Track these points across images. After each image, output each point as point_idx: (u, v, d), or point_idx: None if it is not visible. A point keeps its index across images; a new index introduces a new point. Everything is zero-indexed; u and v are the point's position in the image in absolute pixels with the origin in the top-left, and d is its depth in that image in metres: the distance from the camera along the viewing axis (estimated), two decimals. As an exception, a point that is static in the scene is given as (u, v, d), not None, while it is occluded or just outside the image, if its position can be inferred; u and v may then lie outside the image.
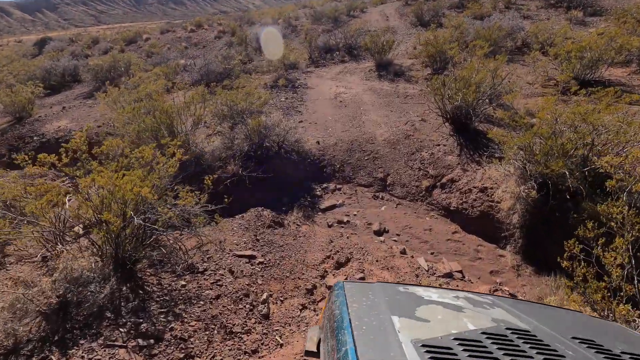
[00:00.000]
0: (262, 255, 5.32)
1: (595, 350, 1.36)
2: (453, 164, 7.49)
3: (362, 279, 5.18)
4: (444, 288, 2.17)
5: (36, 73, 18.03)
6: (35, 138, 12.32)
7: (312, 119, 10.42)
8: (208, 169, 7.91)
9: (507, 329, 1.44)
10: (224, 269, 4.87)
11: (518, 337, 1.37)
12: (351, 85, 13.00)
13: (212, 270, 4.81)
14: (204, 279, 4.64)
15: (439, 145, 8.13)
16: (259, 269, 5.00)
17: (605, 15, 15.74)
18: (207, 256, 5.17)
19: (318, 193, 7.95)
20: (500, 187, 6.26)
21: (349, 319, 1.41)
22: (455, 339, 1.29)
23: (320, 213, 7.42)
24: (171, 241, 5.07)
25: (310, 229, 6.80)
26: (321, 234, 6.68)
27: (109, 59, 17.37)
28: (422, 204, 7.19)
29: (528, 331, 1.44)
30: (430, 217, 6.88)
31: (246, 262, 5.06)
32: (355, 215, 7.20)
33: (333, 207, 7.53)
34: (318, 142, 9.00)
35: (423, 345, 1.23)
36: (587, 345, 1.39)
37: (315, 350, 1.79)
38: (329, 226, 7.00)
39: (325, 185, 8.13)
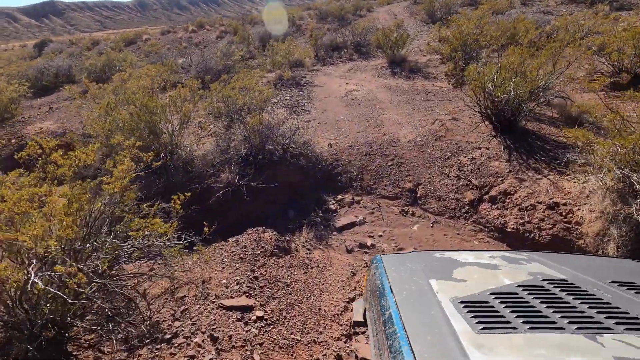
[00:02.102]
0: (261, 305, 3.53)
1: (636, 291, 1.29)
2: (502, 171, 5.70)
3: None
4: (480, 250, 2.25)
5: (28, 73, 16.32)
6: (12, 141, 10.61)
7: (321, 118, 8.65)
8: (197, 177, 6.16)
9: (543, 280, 1.39)
10: (204, 332, 3.08)
11: (555, 287, 1.33)
12: (363, 83, 11.24)
13: (185, 337, 3.01)
14: (171, 353, 2.86)
15: (479, 148, 6.34)
16: (257, 331, 3.20)
17: (635, 9, 13.97)
18: (182, 308, 3.40)
19: (332, 206, 6.18)
20: (581, 203, 4.47)
21: (389, 286, 1.40)
22: (492, 293, 1.27)
23: (335, 233, 5.64)
24: (129, 286, 3.32)
25: (325, 256, 5.02)
26: (339, 262, 4.90)
27: (104, 58, 15.63)
28: (467, 223, 5.40)
29: (565, 280, 1.39)
30: (480, 240, 5.09)
31: (238, 320, 3.26)
32: (380, 236, 5.41)
33: (352, 225, 5.75)
34: (330, 145, 7.24)
35: (461, 302, 1.22)
36: (627, 288, 1.32)
37: (362, 320, 1.88)
38: (349, 251, 5.22)
39: (340, 196, 6.36)
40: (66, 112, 12.24)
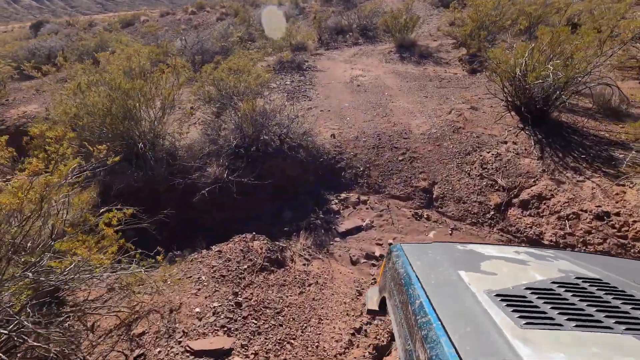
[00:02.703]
0: (242, 346, 2.67)
1: None
2: (534, 171, 4.78)
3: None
4: (502, 245, 1.99)
5: (19, 54, 15.32)
6: (-8, 124, 9.71)
7: (324, 105, 7.69)
8: (181, 170, 5.26)
9: (577, 277, 1.30)
10: (160, 394, 2.25)
11: (590, 285, 1.23)
12: (369, 68, 10.21)
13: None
14: None
15: (505, 142, 5.39)
16: (233, 388, 2.36)
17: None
18: (136, 352, 2.55)
19: (334, 206, 5.29)
20: (642, 215, 3.56)
21: (416, 275, 1.31)
22: (527, 288, 1.18)
23: (338, 239, 4.77)
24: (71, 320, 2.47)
25: (326, 268, 4.16)
26: (342, 277, 4.04)
27: (97, 39, 14.59)
28: (492, 231, 4.51)
29: (599, 279, 1.30)
30: (509, 253, 4.20)
31: (209, 372, 2.42)
32: (390, 244, 4.54)
33: (357, 230, 4.87)
34: (333, 136, 6.30)
35: (497, 295, 1.13)
36: None
37: (376, 309, 1.70)
38: (353, 263, 4.35)
39: (344, 195, 5.46)
40: (53, 95, 11.30)
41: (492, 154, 5.22)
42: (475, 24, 9.15)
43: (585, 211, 3.98)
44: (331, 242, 4.70)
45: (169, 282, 3.26)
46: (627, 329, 0.98)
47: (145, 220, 3.84)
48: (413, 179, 5.37)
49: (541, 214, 4.28)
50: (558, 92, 4.94)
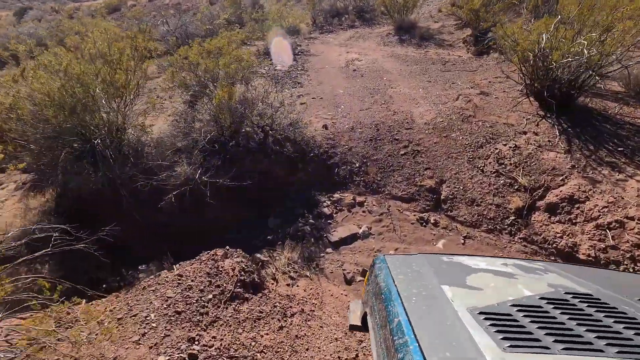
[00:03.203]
0: None
1: None
2: (562, 167, 3.95)
3: None
4: (491, 256, 1.91)
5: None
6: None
7: (316, 92, 6.80)
8: (145, 171, 4.41)
9: (566, 293, 1.21)
10: None
11: (580, 301, 1.14)
12: (366, 52, 9.26)
13: None
14: None
15: (524, 133, 4.55)
16: None
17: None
18: None
19: (326, 210, 4.47)
20: None
21: (397, 290, 1.21)
22: (513, 305, 1.09)
23: (330, 250, 3.97)
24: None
25: (314, 290, 3.37)
26: (334, 302, 3.25)
27: (75, 24, 13.52)
28: (513, 240, 3.70)
29: (590, 295, 1.21)
30: (536, 268, 3.41)
31: None
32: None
33: (352, 238, 4.07)
34: (325, 127, 5.44)
35: (480, 313, 1.04)
36: None
37: (359, 324, 1.61)
38: (348, 281, 3.56)
39: (337, 195, 4.64)
40: None
41: (510, 147, 4.39)
42: (481, 2, 8.17)
43: (632, 219, 3.18)
44: (322, 254, 3.91)
45: (107, 322, 2.47)
46: (619, 352, 0.89)
47: (89, 235, 3.04)
48: (417, 176, 4.54)
49: (574, 221, 3.47)
50: (591, 72, 4.07)
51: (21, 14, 21.38)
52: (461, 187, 4.25)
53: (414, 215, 4.21)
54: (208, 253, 3.27)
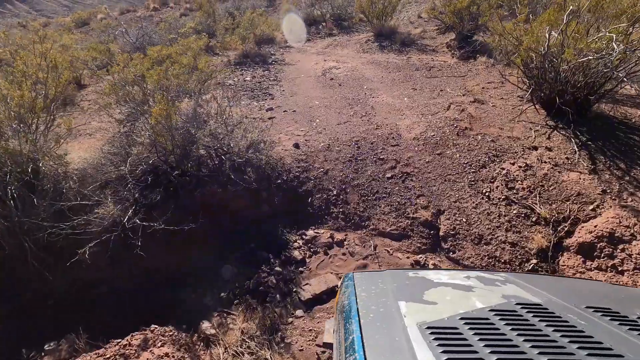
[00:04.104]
0: None
1: (610, 317, 1.15)
2: (590, 192, 3.04)
3: None
4: (456, 269, 1.85)
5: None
6: None
7: (288, 104, 5.81)
8: (60, 215, 3.29)
9: (517, 304, 1.22)
10: None
11: (528, 312, 1.16)
12: (345, 59, 8.35)
13: None
14: None
15: (535, 148, 3.64)
16: None
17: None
18: None
19: (297, 253, 3.44)
20: None
21: (357, 307, 1.22)
22: (462, 318, 1.10)
23: (301, 314, 2.92)
24: None
25: (276, 383, 2.32)
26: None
27: (22, 36, 12.28)
28: (539, 294, 2.76)
29: (539, 305, 1.22)
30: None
31: None
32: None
33: (330, 294, 3.03)
34: (297, 146, 4.44)
35: (428, 328, 1.05)
36: (601, 314, 1.18)
37: (331, 341, 1.49)
38: (324, 363, 2.54)
39: (311, 233, 3.62)
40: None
41: (519, 166, 3.46)
42: (464, 3, 7.37)
43: None
44: (289, 320, 2.86)
45: None
46: None
47: None
48: (408, 205, 3.57)
49: (620, 268, 2.53)
50: (615, 73, 3.19)
51: (-14, 30, 19.86)
52: (464, 220, 3.29)
53: (407, 257, 3.22)
54: (118, 343, 2.19)
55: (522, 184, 3.32)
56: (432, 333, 1.01)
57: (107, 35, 10.67)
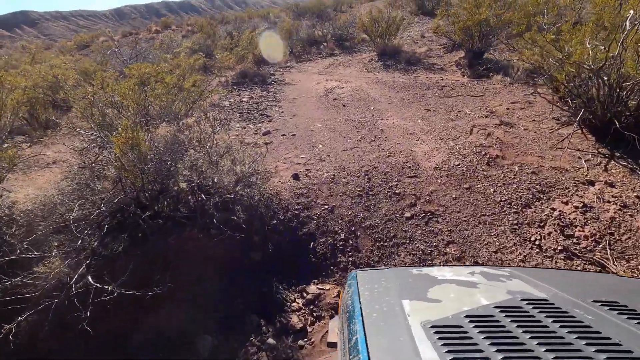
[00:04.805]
0: None
1: (618, 311, 1.10)
2: (682, 245, 2.27)
3: None
4: (460, 265, 1.79)
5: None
6: None
7: (288, 127, 5.12)
8: (6, 266, 2.53)
9: (522, 299, 1.17)
10: None
11: (534, 307, 1.11)
12: (348, 79, 7.75)
13: None
14: None
15: (591, 183, 2.88)
16: None
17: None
18: None
19: (296, 319, 2.64)
20: None
21: (360, 307, 1.18)
22: (467, 316, 1.06)
23: (300, 415, 2.13)
24: None
25: None
26: None
27: (17, 58, 11.93)
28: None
29: (545, 300, 1.17)
30: None
31: None
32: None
33: (339, 383, 2.26)
34: (296, 177, 3.70)
35: (432, 327, 1.01)
36: (609, 308, 1.12)
37: (336, 341, 1.49)
38: None
39: (313, 289, 2.83)
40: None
41: (575, 207, 2.70)
42: (474, 19, 6.80)
43: None
44: None
45: None
46: (555, 358, 0.87)
47: None
48: (436, 256, 2.78)
49: None
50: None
51: (-10, 52, 19.63)
52: (511, 277, 2.49)
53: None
54: None
55: (582, 231, 2.54)
56: (436, 332, 0.97)
57: (101, 55, 10.16)
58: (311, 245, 3.10)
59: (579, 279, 1.54)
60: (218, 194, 3.01)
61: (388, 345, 0.97)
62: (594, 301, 1.17)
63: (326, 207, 3.32)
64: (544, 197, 2.87)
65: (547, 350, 0.90)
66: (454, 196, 3.16)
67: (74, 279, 2.39)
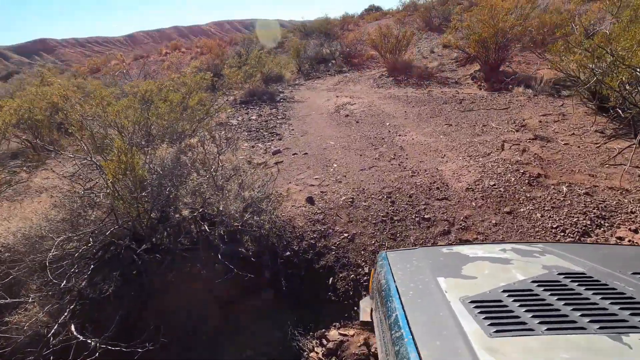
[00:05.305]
0: None
1: None
2: None
3: None
4: (490, 243, 1.74)
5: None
6: None
7: (299, 145, 4.77)
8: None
9: (559, 274, 1.14)
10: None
11: (572, 281, 1.08)
12: (359, 95, 7.45)
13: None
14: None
15: (661, 206, 2.43)
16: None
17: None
18: None
19: (316, 373, 2.20)
20: None
21: (395, 286, 1.18)
22: (504, 291, 1.05)
23: None
24: None
25: None
26: None
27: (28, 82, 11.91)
28: None
29: (583, 273, 1.14)
30: None
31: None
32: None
33: None
34: (311, 201, 3.30)
35: (472, 302, 1.00)
36: None
37: (370, 319, 1.57)
38: None
39: (334, 335, 2.37)
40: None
41: (648, 236, 2.23)
42: (492, 31, 6.48)
43: None
44: None
45: None
46: (600, 328, 0.85)
47: None
48: (480, 295, 2.33)
49: None
50: None
51: (7, 78, 20.06)
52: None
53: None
54: None
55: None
56: (476, 307, 0.96)
57: (110, 77, 10.10)
58: (330, 281, 2.66)
59: (614, 253, 1.47)
60: (224, 224, 2.61)
61: (429, 321, 0.96)
62: (634, 273, 1.12)
63: (346, 235, 2.90)
64: (606, 224, 2.41)
65: (591, 322, 0.87)
66: (494, 222, 2.71)
67: (53, 330, 1.99)
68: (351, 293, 2.60)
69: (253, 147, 4.94)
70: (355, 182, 3.51)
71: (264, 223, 2.72)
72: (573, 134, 3.56)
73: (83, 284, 2.34)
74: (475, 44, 6.90)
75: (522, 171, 3.09)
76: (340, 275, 2.68)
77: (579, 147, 3.29)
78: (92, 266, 2.26)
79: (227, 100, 8.19)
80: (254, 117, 6.60)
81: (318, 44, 14.05)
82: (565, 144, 3.40)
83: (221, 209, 2.52)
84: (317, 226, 3.00)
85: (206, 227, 2.41)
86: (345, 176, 3.68)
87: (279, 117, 6.47)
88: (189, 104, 3.78)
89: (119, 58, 19.33)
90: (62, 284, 2.22)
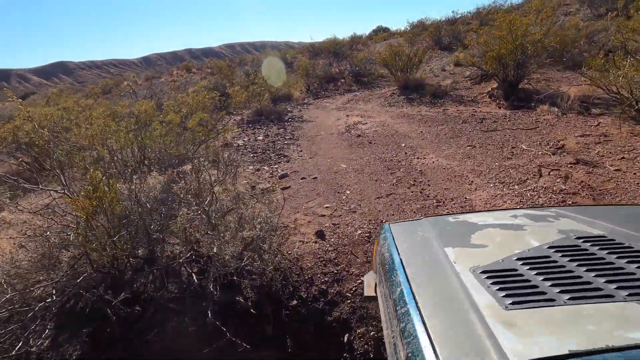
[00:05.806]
0: None
1: None
2: None
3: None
4: (499, 209, 1.62)
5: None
6: None
7: (308, 169, 4.35)
8: None
9: (577, 238, 1.04)
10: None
11: (592, 245, 0.99)
12: (370, 114, 7.08)
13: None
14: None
15: None
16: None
17: None
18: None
19: None
20: None
21: (400, 258, 1.10)
22: (519, 259, 0.96)
23: None
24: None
25: None
26: None
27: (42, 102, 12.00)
28: None
29: (603, 236, 1.04)
30: None
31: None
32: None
33: None
34: (322, 235, 2.85)
35: (483, 272, 0.90)
36: None
37: (374, 294, 1.42)
38: None
39: (353, 413, 1.88)
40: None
41: None
42: (511, 47, 6.10)
43: None
44: None
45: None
46: (629, 295, 0.75)
47: None
48: None
49: None
50: None
51: (23, 98, 20.46)
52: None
53: None
54: None
55: None
56: (488, 277, 0.88)
57: (118, 97, 9.98)
58: (345, 339, 2.17)
59: (634, 213, 1.35)
60: (218, 266, 2.17)
61: (437, 294, 0.87)
62: None
63: (363, 279, 2.41)
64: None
65: (618, 288, 0.77)
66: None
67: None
68: (371, 355, 2.10)
69: (258, 170, 4.55)
70: (371, 213, 3.05)
71: (265, 267, 2.26)
72: (623, 157, 3.07)
73: (46, 343, 1.90)
74: (493, 61, 6.52)
75: (569, 203, 2.60)
76: (358, 331, 2.18)
77: (635, 174, 2.80)
78: (50, 325, 1.82)
79: (233, 120, 7.91)
80: (260, 138, 6.25)
81: (327, 64, 13.88)
82: (616, 170, 2.90)
83: (215, 251, 2.08)
84: (329, 267, 2.53)
85: (194, 277, 1.96)
86: (359, 205, 3.22)
87: (286, 137, 6.11)
88: (188, 125, 3.43)
89: (131, 79, 19.56)
90: (17, 348, 1.78)
